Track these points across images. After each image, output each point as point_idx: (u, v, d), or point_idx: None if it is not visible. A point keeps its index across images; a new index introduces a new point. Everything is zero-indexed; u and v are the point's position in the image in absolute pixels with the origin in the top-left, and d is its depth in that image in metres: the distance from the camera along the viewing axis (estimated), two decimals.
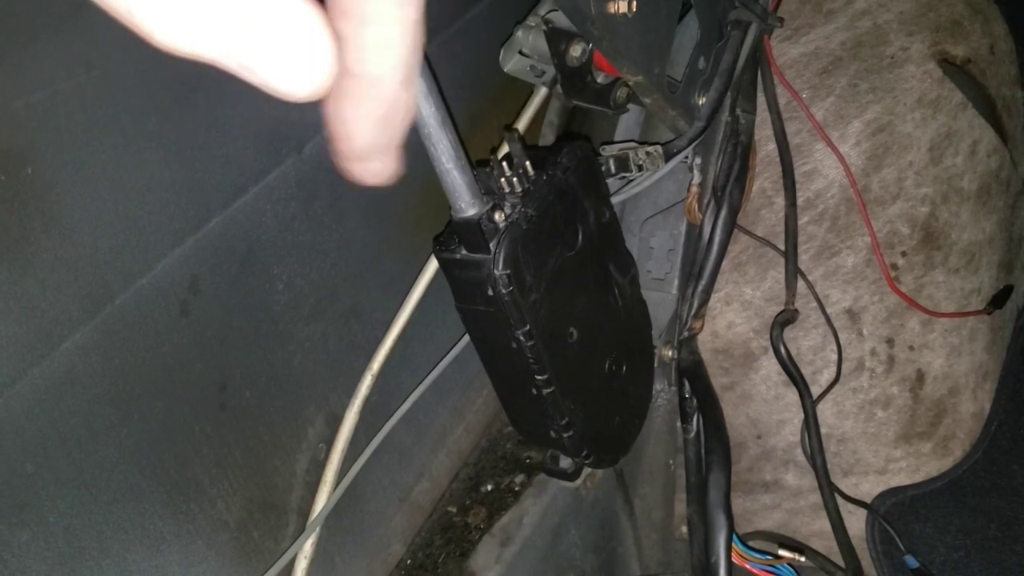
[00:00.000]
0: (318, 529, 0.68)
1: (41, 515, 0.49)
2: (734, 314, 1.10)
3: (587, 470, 0.86)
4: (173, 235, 0.53)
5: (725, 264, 1.03)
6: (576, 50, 0.76)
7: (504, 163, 0.59)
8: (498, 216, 0.55)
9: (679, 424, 1.00)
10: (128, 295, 0.52)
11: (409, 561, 0.83)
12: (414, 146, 0.50)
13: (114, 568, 0.54)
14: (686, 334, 0.97)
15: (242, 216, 0.58)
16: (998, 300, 1.18)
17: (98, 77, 0.46)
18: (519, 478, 0.90)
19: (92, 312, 0.50)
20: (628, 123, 0.99)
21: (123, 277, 0.51)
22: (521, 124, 0.85)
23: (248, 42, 0.22)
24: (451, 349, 0.79)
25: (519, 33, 0.80)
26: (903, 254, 1.09)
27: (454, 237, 0.58)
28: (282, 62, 0.23)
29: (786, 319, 1.02)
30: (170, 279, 0.54)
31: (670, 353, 0.98)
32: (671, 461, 1.08)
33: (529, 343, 0.61)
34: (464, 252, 0.57)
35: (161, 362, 0.55)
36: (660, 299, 0.97)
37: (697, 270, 0.96)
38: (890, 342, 1.10)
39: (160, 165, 0.52)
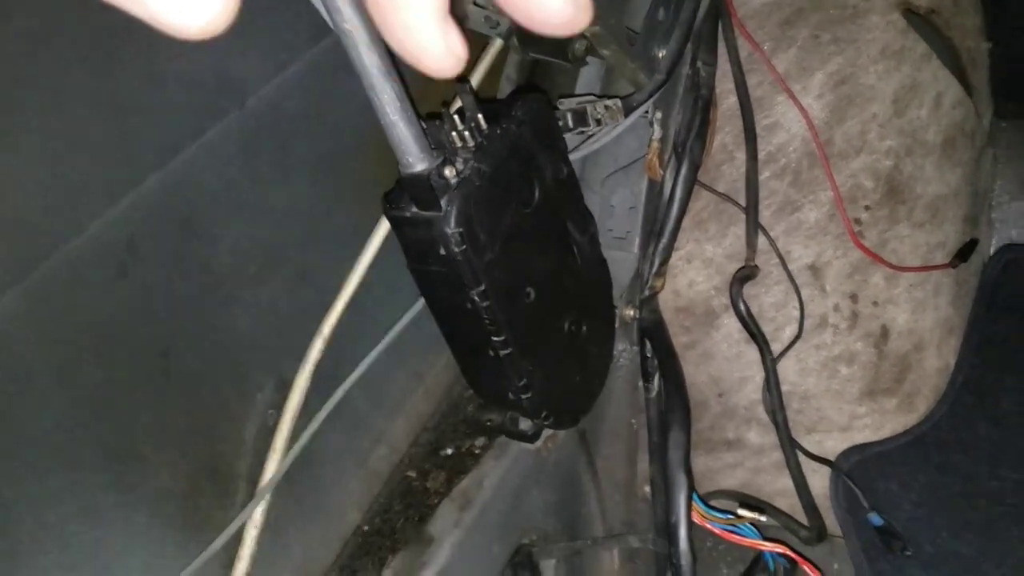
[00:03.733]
0: (268, 497, 0.66)
1: None
2: (695, 272, 1.09)
3: (548, 431, 0.85)
4: (106, 194, 0.51)
5: (686, 221, 1.01)
6: None
7: (456, 116, 0.56)
8: (448, 171, 0.53)
9: (641, 383, 0.99)
10: (60, 257, 0.49)
11: (366, 528, 0.81)
12: (362, 97, 0.48)
13: (51, 540, 0.52)
14: (647, 293, 0.96)
15: (181, 174, 0.56)
16: (963, 254, 1.18)
17: (19, 27, 0.43)
18: (480, 441, 0.88)
19: (20, 275, 0.47)
20: (589, 77, 0.96)
21: (53, 239, 0.49)
22: (476, 78, 0.82)
23: None
24: (407, 311, 0.77)
25: None
26: (867, 208, 1.08)
27: (404, 194, 0.55)
28: None
29: (746, 275, 1.01)
30: (105, 240, 0.51)
31: (631, 312, 0.97)
32: (634, 420, 1.07)
33: (485, 303, 0.59)
34: (414, 210, 0.55)
35: (98, 327, 0.52)
36: (621, 258, 0.95)
37: (658, 228, 0.94)
38: (854, 298, 1.09)
39: (89, 121, 0.49)
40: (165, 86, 0.53)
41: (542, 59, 0.81)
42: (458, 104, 0.58)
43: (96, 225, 0.50)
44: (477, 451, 0.87)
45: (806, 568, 0.87)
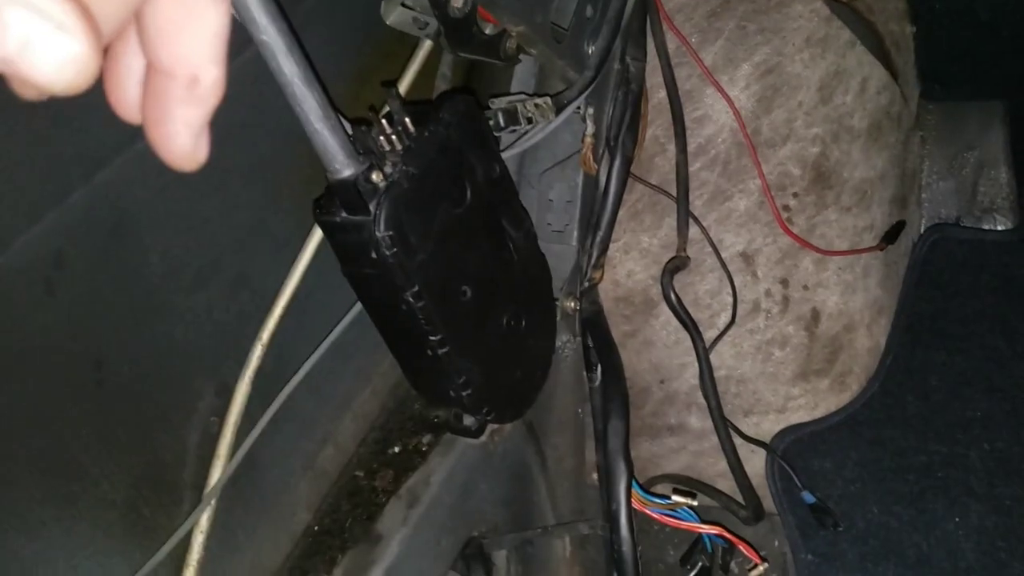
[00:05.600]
0: (214, 502, 0.67)
1: None
2: (633, 262, 1.11)
3: (495, 424, 0.87)
4: (29, 211, 0.51)
5: (622, 213, 1.03)
6: (458, 0, 0.74)
7: (384, 121, 0.57)
8: (376, 176, 0.54)
9: (586, 373, 1.01)
10: None
11: (316, 528, 0.82)
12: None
13: None
14: (587, 284, 0.98)
15: (108, 187, 0.56)
16: (890, 235, 1.21)
17: None
18: (426, 438, 0.89)
19: None
20: (523, 74, 0.97)
21: None
22: (407, 79, 0.83)
23: None
24: (347, 313, 0.77)
25: None
26: (795, 195, 1.11)
27: (333, 200, 0.56)
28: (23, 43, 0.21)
29: (676, 266, 1.03)
30: (30, 257, 0.51)
31: (572, 304, 0.98)
32: (580, 409, 1.09)
33: (419, 304, 0.60)
34: (344, 215, 0.56)
35: (27, 343, 0.52)
36: (561, 251, 0.97)
37: (595, 220, 0.96)
38: (784, 283, 1.12)
39: (7, 139, 0.48)
40: (88, 98, 0.53)
41: (473, 59, 0.82)
42: (386, 109, 0.59)
43: (19, 242, 0.50)
44: (424, 448, 0.88)
45: (741, 548, 0.90)
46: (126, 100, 0.29)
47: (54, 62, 0.21)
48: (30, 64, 0.21)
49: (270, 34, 0.43)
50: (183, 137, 0.28)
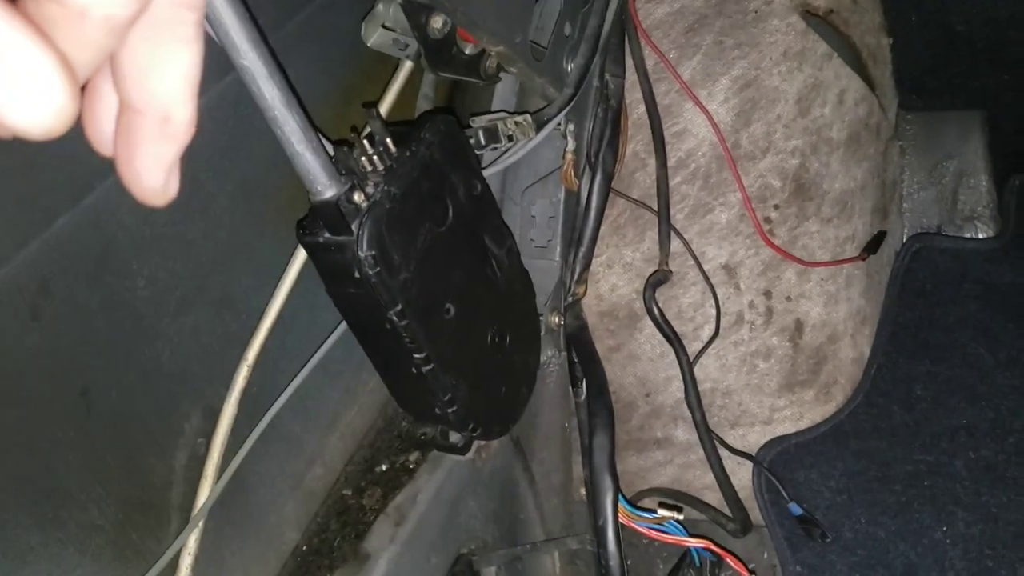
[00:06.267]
0: (201, 524, 0.67)
1: None
2: (616, 277, 1.12)
3: (481, 441, 0.87)
4: (14, 238, 0.51)
5: (604, 228, 1.04)
6: (437, 21, 0.75)
7: (365, 141, 0.58)
8: (358, 196, 0.54)
9: (571, 388, 1.01)
10: None
11: (304, 547, 0.82)
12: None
13: None
14: (570, 299, 0.98)
15: (93, 213, 0.56)
16: (872, 246, 1.22)
17: None
18: (414, 456, 0.90)
19: None
20: (504, 92, 0.98)
21: None
22: (389, 99, 0.83)
23: None
24: (332, 332, 0.78)
25: (379, 6, 0.78)
26: (776, 207, 1.12)
27: (317, 220, 0.57)
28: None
29: (658, 280, 1.04)
30: (15, 284, 0.51)
31: (556, 319, 0.99)
32: (566, 424, 1.10)
33: (403, 323, 0.61)
34: (327, 235, 0.56)
35: (13, 370, 0.52)
36: (544, 267, 0.98)
37: (577, 236, 0.97)
38: (767, 294, 1.13)
39: None
40: (71, 129, 0.54)
41: (455, 78, 0.83)
42: (368, 130, 0.59)
43: (5, 268, 0.50)
44: (411, 466, 0.88)
45: (729, 561, 0.90)
46: (101, 134, 0.29)
47: (33, 110, 0.22)
48: (8, 111, 0.21)
49: (250, 59, 0.43)
50: (153, 173, 0.29)
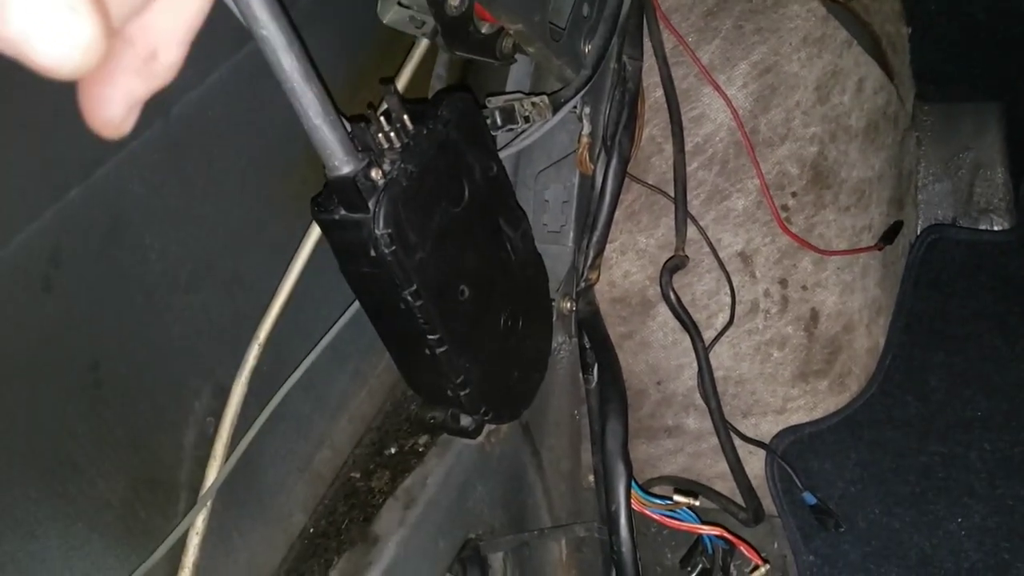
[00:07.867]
0: (210, 503, 0.66)
1: None
2: (629, 263, 1.11)
3: (491, 426, 0.86)
4: (27, 208, 0.50)
5: (618, 214, 1.03)
6: None
7: (382, 118, 0.57)
8: (375, 173, 0.54)
9: (582, 375, 1.00)
10: None
11: (312, 530, 0.81)
12: (287, 102, 0.48)
13: None
14: (583, 285, 0.97)
15: (105, 185, 0.55)
16: (888, 236, 1.21)
17: None
18: (423, 439, 0.89)
19: None
20: (519, 73, 0.97)
21: None
22: (404, 77, 0.82)
23: None
24: (343, 313, 0.77)
25: None
26: (793, 195, 1.11)
27: (332, 197, 0.56)
28: (31, 26, 0.20)
29: (675, 265, 1.03)
30: (28, 254, 0.51)
31: (568, 305, 0.98)
32: (576, 411, 1.09)
33: (418, 303, 0.60)
34: (343, 212, 0.55)
35: (24, 341, 0.52)
36: (557, 252, 0.97)
37: (591, 221, 0.96)
38: (783, 283, 1.12)
39: (5, 136, 0.48)
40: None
41: (470, 58, 0.82)
42: (385, 106, 0.58)
43: (17, 239, 0.49)
44: (421, 449, 0.88)
45: (742, 549, 0.89)
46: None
47: (62, 46, 0.21)
48: (37, 44, 0.20)
49: (270, 29, 0.42)
50: (117, 106, 0.27)
